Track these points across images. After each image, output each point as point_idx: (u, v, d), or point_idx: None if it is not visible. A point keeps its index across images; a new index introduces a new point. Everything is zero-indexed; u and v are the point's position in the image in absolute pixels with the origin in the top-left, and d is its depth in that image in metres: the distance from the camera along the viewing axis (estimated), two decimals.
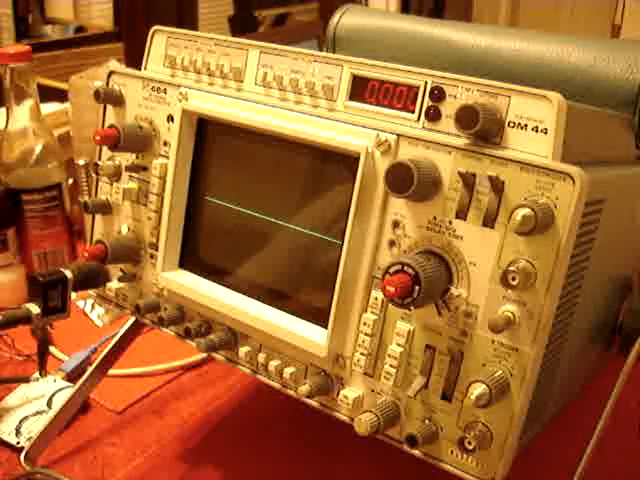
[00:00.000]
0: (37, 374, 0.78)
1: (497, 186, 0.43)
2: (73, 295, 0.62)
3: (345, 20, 0.78)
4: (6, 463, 0.68)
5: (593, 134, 0.52)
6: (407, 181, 0.44)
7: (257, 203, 0.55)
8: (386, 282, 0.43)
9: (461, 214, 0.45)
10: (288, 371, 0.53)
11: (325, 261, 0.52)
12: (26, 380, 0.76)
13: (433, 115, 0.47)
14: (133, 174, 0.61)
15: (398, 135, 0.47)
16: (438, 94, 0.47)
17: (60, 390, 0.77)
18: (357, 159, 0.48)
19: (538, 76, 0.65)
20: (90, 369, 0.70)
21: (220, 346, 0.57)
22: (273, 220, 0.54)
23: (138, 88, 0.60)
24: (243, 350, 0.56)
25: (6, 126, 0.92)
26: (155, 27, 0.61)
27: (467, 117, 0.43)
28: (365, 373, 0.50)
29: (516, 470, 0.46)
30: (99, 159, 0.63)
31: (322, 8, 3.00)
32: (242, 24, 3.01)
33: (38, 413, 0.74)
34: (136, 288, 0.63)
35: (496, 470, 0.45)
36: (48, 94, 1.13)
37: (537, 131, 0.43)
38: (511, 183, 0.43)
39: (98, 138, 0.58)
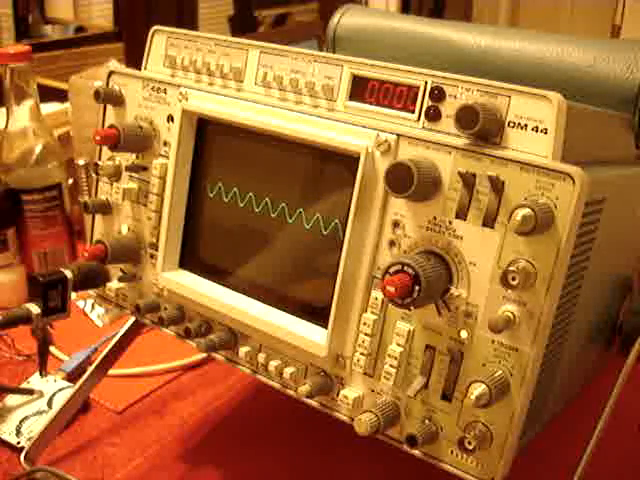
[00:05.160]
0: (38, 384, 0.78)
1: (497, 186, 0.43)
2: (73, 295, 0.62)
3: (345, 20, 0.78)
4: (6, 463, 0.68)
5: (593, 134, 0.52)
6: (407, 181, 0.44)
7: (257, 203, 0.55)
8: (386, 282, 0.43)
9: (461, 214, 0.45)
10: (288, 371, 0.53)
11: (325, 261, 0.52)
12: (30, 392, 0.76)
13: (433, 115, 0.47)
14: (133, 174, 0.61)
15: (398, 135, 0.47)
16: (438, 94, 0.47)
17: (60, 390, 0.77)
18: (357, 159, 0.48)
19: (538, 76, 0.65)
20: (90, 369, 0.70)
21: (220, 346, 0.57)
22: (273, 220, 0.54)
23: (138, 88, 0.60)
24: (243, 350, 0.56)
25: (6, 126, 0.92)
26: (155, 27, 0.61)
27: (467, 117, 0.43)
28: (365, 373, 0.50)
29: (516, 470, 0.46)
30: (99, 159, 0.63)
31: (322, 8, 3.00)
32: (242, 24, 3.01)
33: (38, 413, 0.74)
34: (136, 288, 0.63)
35: (496, 470, 0.45)
36: (48, 94, 1.13)
37: (537, 131, 0.43)
38: (511, 183, 0.43)
39: (98, 138, 0.58)
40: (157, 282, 0.60)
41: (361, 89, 0.50)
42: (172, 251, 0.59)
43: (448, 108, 0.46)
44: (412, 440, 0.47)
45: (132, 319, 0.70)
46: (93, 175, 0.64)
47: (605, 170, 0.50)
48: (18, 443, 0.69)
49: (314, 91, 0.52)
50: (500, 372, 0.44)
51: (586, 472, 0.50)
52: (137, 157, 0.61)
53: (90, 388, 0.71)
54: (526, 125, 0.44)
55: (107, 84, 0.62)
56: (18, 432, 0.71)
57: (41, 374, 0.67)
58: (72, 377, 0.79)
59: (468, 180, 0.44)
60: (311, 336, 0.52)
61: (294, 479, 0.68)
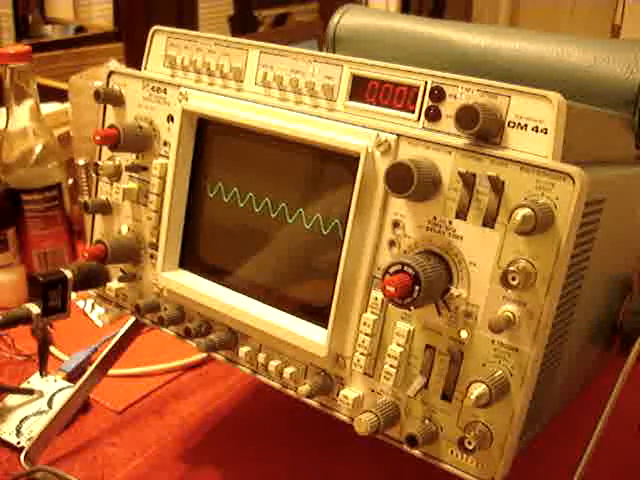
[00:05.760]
0: (38, 384, 0.78)
1: (497, 186, 0.43)
2: (73, 295, 0.62)
3: (345, 20, 0.78)
4: (6, 463, 0.68)
5: (593, 134, 0.52)
6: (407, 181, 0.44)
7: (257, 203, 0.55)
8: (386, 282, 0.43)
9: (461, 214, 0.45)
10: (288, 371, 0.53)
11: (325, 261, 0.52)
12: (30, 392, 0.76)
13: (433, 115, 0.47)
14: (133, 174, 0.61)
15: (398, 135, 0.47)
16: (438, 94, 0.47)
17: (60, 390, 0.77)
18: (357, 159, 0.48)
19: (538, 76, 0.65)
20: (90, 369, 0.70)
21: (220, 346, 0.57)
22: (273, 220, 0.54)
23: (138, 88, 0.60)
24: (243, 350, 0.56)
25: (6, 126, 0.92)
26: (155, 27, 0.61)
27: (467, 117, 0.43)
28: (365, 373, 0.50)
29: (516, 470, 0.46)
30: (99, 159, 0.63)
31: (322, 8, 3.01)
32: (242, 24, 3.01)
33: (39, 413, 0.74)
34: (136, 288, 0.63)
35: (496, 470, 0.45)
36: (48, 94, 1.13)
37: (537, 131, 0.43)
38: (511, 183, 0.43)
39: (98, 138, 0.58)
40: (157, 282, 0.60)
41: (361, 89, 0.50)
42: (172, 251, 0.59)
43: (448, 108, 0.46)
44: (412, 440, 0.47)
45: (132, 319, 0.70)
46: (93, 175, 0.64)
47: (605, 170, 0.50)
48: (18, 443, 0.69)
49: (314, 91, 0.52)
50: (500, 372, 0.44)
51: (586, 472, 0.50)
52: (137, 157, 0.61)
53: (90, 388, 0.71)
54: (526, 125, 0.44)
55: (107, 84, 0.62)
56: (18, 432, 0.71)
57: (41, 374, 0.67)
58: (72, 377, 0.79)
59: (468, 180, 0.44)
60: (311, 336, 0.52)
61: (294, 479, 0.68)
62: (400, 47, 0.74)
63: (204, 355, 0.80)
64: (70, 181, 0.99)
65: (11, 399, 0.75)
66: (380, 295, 0.48)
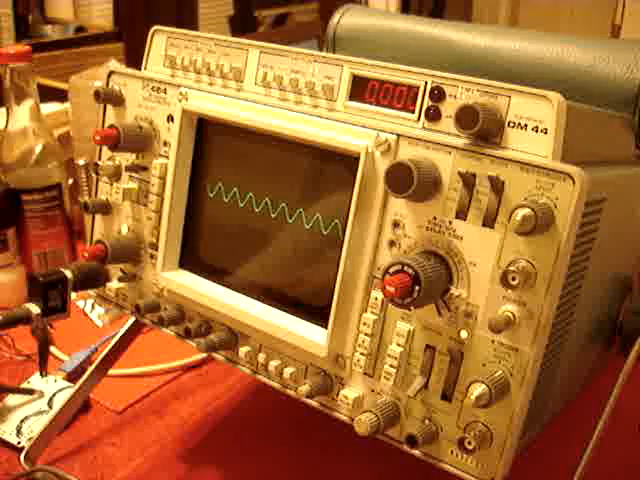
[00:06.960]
0: (39, 384, 0.78)
1: (497, 186, 0.43)
2: (73, 295, 0.62)
3: (345, 20, 0.78)
4: (6, 463, 0.68)
5: (593, 134, 0.52)
6: (407, 181, 0.44)
7: (257, 203, 0.55)
8: (386, 282, 0.43)
9: (461, 214, 0.45)
10: (288, 371, 0.53)
11: (325, 261, 0.52)
12: (30, 392, 0.76)
13: (433, 115, 0.47)
14: (133, 174, 0.61)
15: (398, 135, 0.47)
16: (438, 94, 0.47)
17: (61, 390, 0.77)
18: (357, 159, 0.48)
19: (538, 76, 0.65)
20: (90, 369, 0.70)
21: (220, 346, 0.57)
22: (273, 220, 0.54)
23: (138, 88, 0.60)
24: (243, 350, 0.56)
25: (6, 126, 0.92)
26: (155, 27, 0.61)
27: (467, 117, 0.43)
28: (365, 373, 0.50)
29: (516, 470, 0.46)
30: (99, 159, 0.63)
31: (322, 8, 3.01)
32: (242, 24, 3.02)
33: (39, 413, 0.74)
34: (136, 288, 0.63)
35: (496, 470, 0.45)
36: (48, 94, 1.13)
37: (537, 131, 0.43)
38: (511, 183, 0.43)
39: (98, 138, 0.58)
40: (157, 282, 0.60)
41: (361, 89, 0.50)
42: (172, 251, 0.59)
43: (448, 108, 0.46)
44: (412, 440, 0.47)
45: (132, 319, 0.70)
46: (93, 175, 0.64)
47: (605, 170, 0.50)
48: (18, 443, 0.69)
49: (314, 91, 0.52)
50: (500, 372, 0.44)
51: (586, 472, 0.50)
52: (137, 157, 0.61)
53: (90, 388, 0.71)
54: (526, 125, 0.44)
55: (107, 84, 0.62)
56: (18, 432, 0.71)
57: (41, 374, 0.67)
58: (72, 377, 0.79)
59: (468, 180, 0.44)
60: (311, 336, 0.52)
61: (294, 479, 0.68)
62: (400, 47, 0.74)
63: (204, 355, 0.80)
64: (70, 181, 0.99)
65: (11, 399, 0.75)
66: (380, 295, 0.48)
